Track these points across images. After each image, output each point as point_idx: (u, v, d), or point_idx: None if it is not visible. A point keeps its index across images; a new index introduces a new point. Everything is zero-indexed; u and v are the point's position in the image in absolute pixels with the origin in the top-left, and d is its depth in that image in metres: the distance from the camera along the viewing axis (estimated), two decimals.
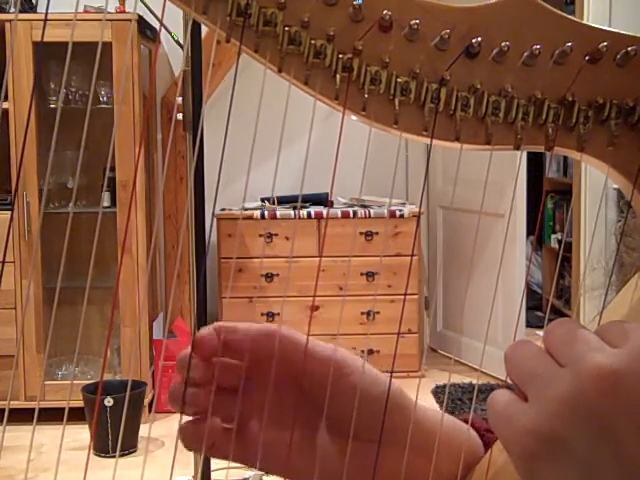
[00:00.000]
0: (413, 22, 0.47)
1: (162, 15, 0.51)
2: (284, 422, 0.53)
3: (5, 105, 2.93)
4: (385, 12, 0.47)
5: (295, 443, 0.53)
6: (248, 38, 0.47)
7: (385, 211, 3.76)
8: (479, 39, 0.47)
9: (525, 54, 0.47)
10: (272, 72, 0.48)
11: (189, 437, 0.52)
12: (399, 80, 0.48)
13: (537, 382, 0.40)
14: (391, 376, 0.54)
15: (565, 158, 4.59)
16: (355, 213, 3.74)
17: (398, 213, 3.74)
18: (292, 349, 0.52)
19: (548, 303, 5.00)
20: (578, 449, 0.38)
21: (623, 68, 0.47)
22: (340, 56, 0.47)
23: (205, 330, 0.52)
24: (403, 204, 3.90)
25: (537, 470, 0.39)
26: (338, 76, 0.48)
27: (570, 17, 0.47)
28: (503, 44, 0.47)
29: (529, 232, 4.07)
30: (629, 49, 0.46)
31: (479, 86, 0.48)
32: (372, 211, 3.76)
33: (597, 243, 3.40)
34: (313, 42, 0.47)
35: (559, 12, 0.47)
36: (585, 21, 0.48)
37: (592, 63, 0.47)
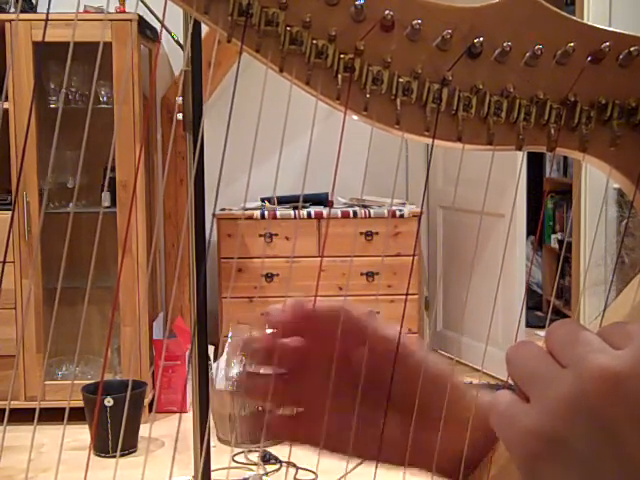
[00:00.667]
0: (415, 22, 0.47)
1: (163, 16, 0.51)
2: (345, 401, 0.55)
3: (5, 105, 2.93)
4: (387, 12, 0.46)
5: (356, 421, 0.54)
6: (250, 38, 0.47)
7: (385, 211, 3.76)
8: (481, 39, 0.47)
9: (527, 54, 0.47)
10: (272, 72, 0.48)
11: (253, 427, 0.54)
12: (401, 80, 0.48)
13: (539, 383, 0.39)
14: (392, 377, 0.54)
15: (565, 158, 4.59)
16: (355, 213, 3.73)
17: (398, 213, 3.74)
18: (357, 328, 0.53)
19: (548, 303, 5.00)
20: (579, 450, 0.38)
21: (625, 68, 0.47)
22: (342, 56, 0.47)
23: (276, 306, 0.54)
24: (403, 204, 3.89)
25: (539, 471, 0.39)
26: (340, 76, 0.47)
27: (572, 17, 0.47)
28: (505, 44, 0.47)
29: (529, 232, 4.07)
30: (632, 49, 0.46)
31: (481, 86, 0.48)
32: (372, 211, 3.76)
33: (597, 242, 3.40)
34: (315, 42, 0.47)
35: (561, 12, 0.47)
36: (585, 21, 0.48)
37: (594, 63, 0.47)
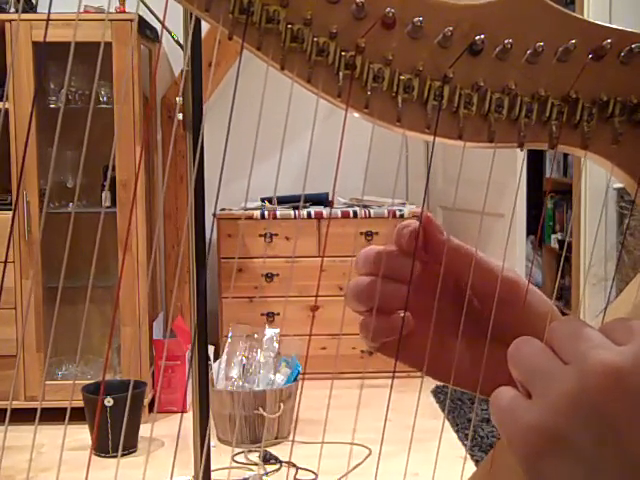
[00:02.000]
0: (416, 19, 0.47)
1: (164, 17, 0.51)
2: (448, 328, 0.55)
3: (5, 105, 2.92)
4: (388, 9, 0.46)
5: (459, 348, 0.55)
6: (250, 36, 0.47)
7: (385, 211, 3.76)
8: (482, 36, 0.47)
9: (528, 51, 0.47)
10: (272, 73, 0.48)
11: (369, 329, 0.54)
12: (402, 77, 0.48)
13: (541, 379, 0.40)
14: (393, 377, 0.54)
15: (565, 158, 4.59)
16: (355, 213, 3.74)
17: (398, 213, 3.74)
18: (480, 271, 0.54)
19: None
20: (581, 446, 0.38)
21: (627, 65, 0.47)
22: (343, 53, 0.47)
23: (410, 224, 0.54)
24: (403, 204, 3.90)
25: (540, 467, 0.39)
26: (341, 74, 0.47)
27: (574, 14, 0.47)
28: (506, 41, 0.47)
29: (529, 232, 4.07)
30: (633, 46, 0.46)
31: (482, 83, 0.47)
32: (372, 211, 3.76)
33: (598, 242, 3.40)
34: (316, 39, 0.47)
35: (562, 9, 0.47)
36: (583, 17, 0.48)
37: (596, 60, 0.47)
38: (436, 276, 0.54)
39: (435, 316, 0.54)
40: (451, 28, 0.47)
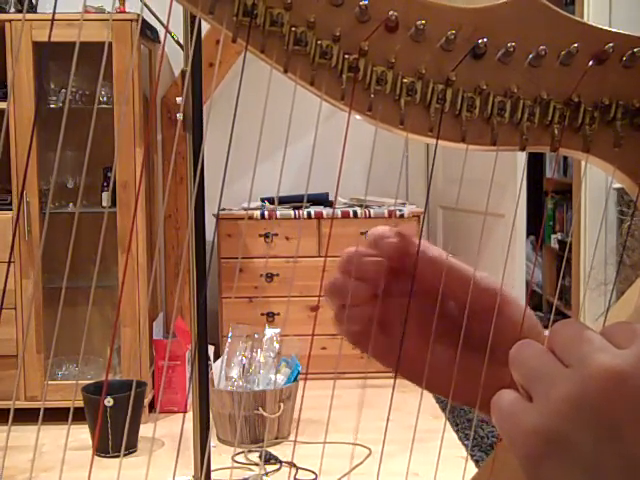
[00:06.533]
0: (419, 23, 0.47)
1: (167, 19, 0.51)
2: (427, 334, 0.56)
3: (5, 105, 2.92)
4: (391, 13, 0.47)
5: (437, 355, 0.55)
6: (254, 38, 0.47)
7: (385, 211, 3.76)
8: (485, 40, 0.47)
9: (531, 55, 0.47)
10: (273, 73, 0.48)
11: (342, 319, 0.55)
12: (405, 80, 0.48)
13: (542, 382, 0.40)
14: (395, 377, 0.55)
15: (565, 158, 4.59)
16: (355, 213, 3.74)
17: (398, 213, 3.74)
18: (459, 283, 0.55)
19: (548, 303, 5.00)
20: (582, 449, 0.38)
21: (629, 69, 0.47)
22: (346, 56, 0.47)
23: (389, 230, 0.55)
24: (403, 204, 3.90)
25: (541, 469, 0.39)
26: (344, 76, 0.48)
27: (576, 18, 0.47)
28: (509, 45, 0.47)
29: (529, 232, 4.07)
30: (635, 50, 0.46)
31: (485, 87, 0.48)
32: (372, 211, 3.76)
33: (598, 242, 3.40)
34: (319, 42, 0.47)
35: (565, 13, 0.47)
36: (586, 22, 0.48)
37: (598, 64, 0.47)
38: (413, 285, 0.55)
39: (414, 323, 0.55)
40: (454, 31, 0.47)
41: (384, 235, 0.54)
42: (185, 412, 3.17)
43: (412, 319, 0.55)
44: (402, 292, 0.55)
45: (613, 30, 0.46)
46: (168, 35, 2.84)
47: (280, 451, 2.89)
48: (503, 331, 0.54)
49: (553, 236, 5.03)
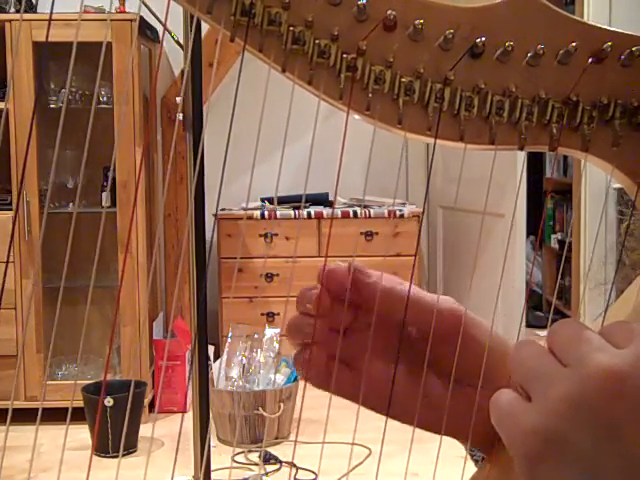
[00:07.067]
0: (417, 22, 0.47)
1: (165, 19, 0.51)
2: (390, 362, 0.56)
3: (5, 105, 2.92)
4: (389, 12, 0.47)
5: (401, 383, 0.55)
6: (252, 37, 0.47)
7: (385, 211, 3.76)
8: (483, 39, 0.47)
9: (529, 54, 0.47)
10: (272, 73, 0.48)
11: (301, 361, 0.54)
12: (403, 80, 0.48)
13: (541, 382, 0.39)
14: (394, 377, 0.54)
15: (565, 158, 4.59)
16: (355, 213, 3.74)
17: (398, 213, 3.74)
18: (417, 308, 0.55)
19: (548, 303, 5.00)
20: (581, 449, 0.38)
21: (628, 68, 0.47)
22: (344, 56, 0.47)
23: (339, 266, 0.54)
24: (403, 204, 3.90)
25: (540, 469, 0.39)
26: (342, 76, 0.48)
27: (574, 17, 0.47)
28: (507, 44, 0.47)
29: (529, 232, 4.07)
30: (634, 49, 0.46)
31: (483, 86, 0.48)
32: (372, 211, 3.76)
33: (598, 242, 3.40)
34: (317, 42, 0.47)
35: (563, 12, 0.47)
36: (586, 21, 0.48)
37: (596, 63, 0.47)
38: (370, 319, 0.54)
39: (377, 354, 0.55)
40: (452, 30, 0.47)
41: (335, 270, 0.54)
42: (185, 412, 3.18)
43: (375, 351, 0.55)
44: (361, 325, 0.55)
45: (611, 29, 0.46)
46: (168, 35, 2.84)
47: (280, 451, 2.89)
48: (468, 354, 0.54)
49: (553, 236, 5.03)
